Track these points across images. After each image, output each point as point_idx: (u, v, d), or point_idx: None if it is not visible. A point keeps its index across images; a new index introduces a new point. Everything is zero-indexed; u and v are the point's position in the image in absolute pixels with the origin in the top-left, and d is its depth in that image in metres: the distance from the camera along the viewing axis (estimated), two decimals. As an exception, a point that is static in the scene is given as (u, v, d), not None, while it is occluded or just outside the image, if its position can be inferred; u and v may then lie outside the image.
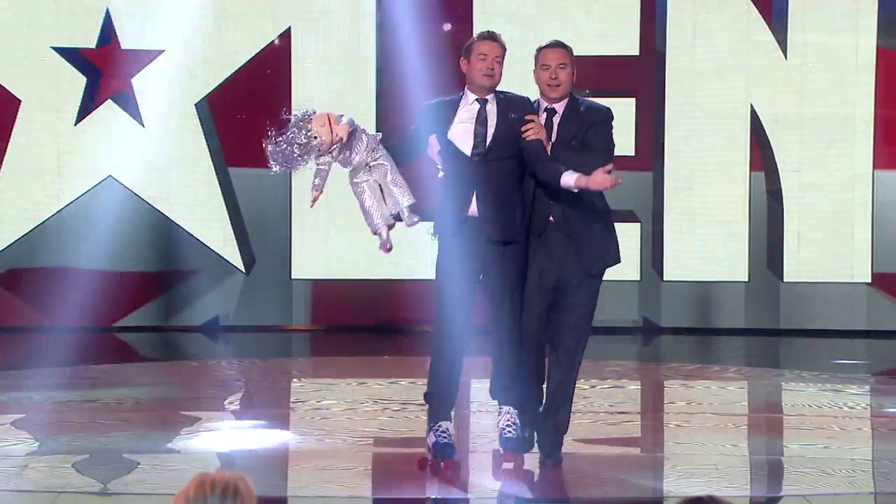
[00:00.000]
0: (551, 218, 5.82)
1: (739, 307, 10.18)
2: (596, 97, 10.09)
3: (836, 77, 10.07)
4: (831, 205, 10.12)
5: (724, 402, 7.97)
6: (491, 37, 5.96)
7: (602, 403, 7.69)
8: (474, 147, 5.82)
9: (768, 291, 10.23)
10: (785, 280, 10.21)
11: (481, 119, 5.85)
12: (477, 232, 5.76)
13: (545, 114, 5.91)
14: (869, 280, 10.13)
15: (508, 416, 5.83)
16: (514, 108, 5.88)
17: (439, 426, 5.87)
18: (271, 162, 5.78)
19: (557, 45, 6.02)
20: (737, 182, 10.19)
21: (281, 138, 5.75)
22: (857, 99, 10.07)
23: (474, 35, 6.08)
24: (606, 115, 5.96)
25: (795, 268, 10.20)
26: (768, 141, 10.16)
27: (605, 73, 10.08)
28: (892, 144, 10.11)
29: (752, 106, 10.16)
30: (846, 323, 10.14)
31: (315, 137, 5.76)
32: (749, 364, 9.28)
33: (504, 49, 5.96)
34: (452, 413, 5.97)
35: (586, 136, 5.88)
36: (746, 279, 10.21)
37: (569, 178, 5.66)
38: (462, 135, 5.85)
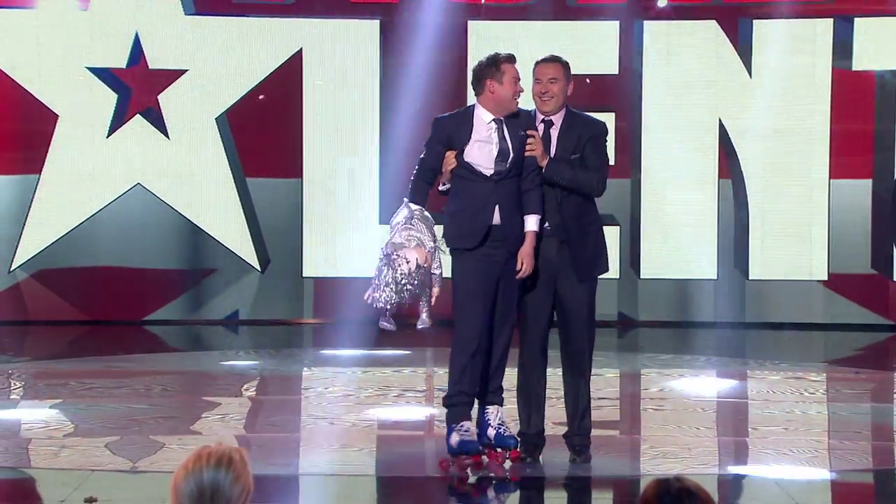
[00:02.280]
0: (548, 225, 5.62)
1: (709, 302, 10.17)
2: (579, 111, 10.22)
3: (796, 94, 10.07)
4: (792, 210, 10.12)
5: (695, 389, 7.96)
6: (512, 59, 5.62)
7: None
8: (496, 170, 5.51)
9: (735, 288, 10.23)
10: (750, 278, 10.21)
11: (502, 141, 5.53)
12: (498, 242, 5.50)
13: (542, 125, 5.67)
14: (825, 278, 10.14)
15: (499, 414, 5.63)
16: (519, 123, 5.61)
17: (462, 426, 5.57)
18: (389, 306, 5.37)
19: (550, 59, 5.77)
20: (706, 188, 10.19)
21: (385, 292, 5.36)
22: (815, 114, 10.07)
23: (498, 56, 5.63)
24: (602, 129, 5.74)
25: (760, 267, 10.20)
26: (735, 151, 10.17)
27: (587, 91, 10.09)
28: (847, 156, 10.12)
29: (720, 119, 10.16)
30: (805, 317, 10.13)
31: (406, 262, 5.34)
32: (718, 354, 9.27)
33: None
34: (472, 413, 5.66)
35: (585, 152, 5.65)
36: (715, 277, 10.21)
37: (530, 221, 5.51)
38: (480, 154, 5.51)
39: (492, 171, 5.55)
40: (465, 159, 5.56)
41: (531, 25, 10.09)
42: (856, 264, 10.04)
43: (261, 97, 10.03)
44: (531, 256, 5.53)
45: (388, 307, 5.42)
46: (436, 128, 5.68)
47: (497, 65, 5.59)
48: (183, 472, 2.65)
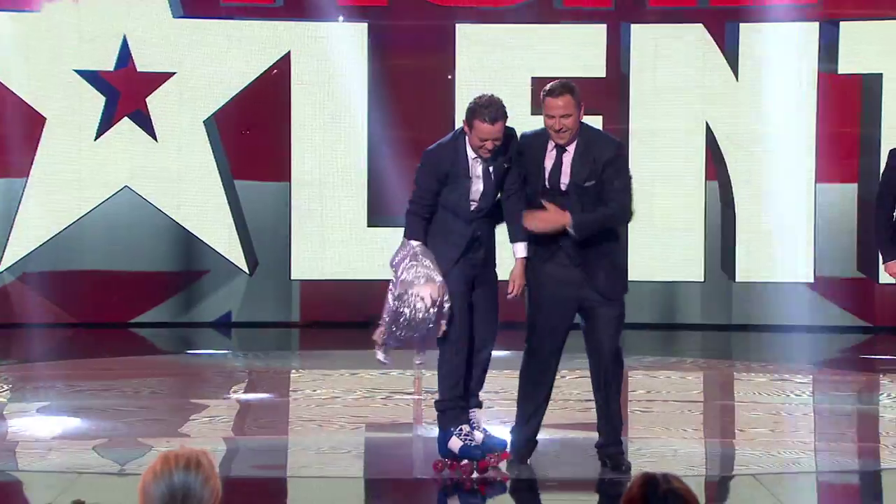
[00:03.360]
0: (560, 243, 5.45)
1: (696, 304, 10.19)
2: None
3: (782, 98, 10.09)
4: (778, 213, 10.14)
5: (682, 390, 7.97)
6: (493, 118, 5.35)
7: (572, 392, 7.68)
8: (478, 206, 5.48)
9: (722, 290, 10.25)
10: (737, 280, 10.23)
11: (486, 176, 5.46)
12: (477, 244, 5.50)
13: (555, 151, 5.44)
14: (811, 281, 10.16)
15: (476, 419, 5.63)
16: (502, 151, 5.42)
17: (461, 430, 5.56)
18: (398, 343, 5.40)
19: (560, 92, 5.39)
20: (694, 192, 10.21)
21: (404, 332, 5.39)
22: (801, 118, 10.10)
23: (476, 108, 5.40)
24: (618, 149, 5.50)
25: (746, 269, 10.22)
26: (722, 155, 10.19)
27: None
28: (832, 159, 10.15)
29: (707, 123, 10.18)
30: (791, 319, 10.16)
31: (421, 299, 5.34)
32: (704, 356, 9.29)
33: (506, 119, 5.43)
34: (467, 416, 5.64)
35: (604, 176, 5.39)
36: (703, 279, 10.23)
37: (518, 249, 5.45)
38: (464, 191, 5.46)
39: (475, 207, 5.50)
40: (448, 193, 5.46)
41: (518, 28, 10.10)
42: (842, 267, 10.07)
43: (246, 132, 10.01)
44: (522, 276, 5.53)
45: (399, 344, 5.47)
46: (429, 163, 5.54)
47: (471, 121, 5.45)
48: (151, 475, 2.65)
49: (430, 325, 5.41)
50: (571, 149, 5.45)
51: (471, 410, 5.67)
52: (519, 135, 5.54)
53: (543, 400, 5.71)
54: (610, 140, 5.57)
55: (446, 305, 5.44)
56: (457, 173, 5.49)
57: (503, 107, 5.47)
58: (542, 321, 5.53)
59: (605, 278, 5.49)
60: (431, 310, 5.36)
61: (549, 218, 5.39)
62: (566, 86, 5.46)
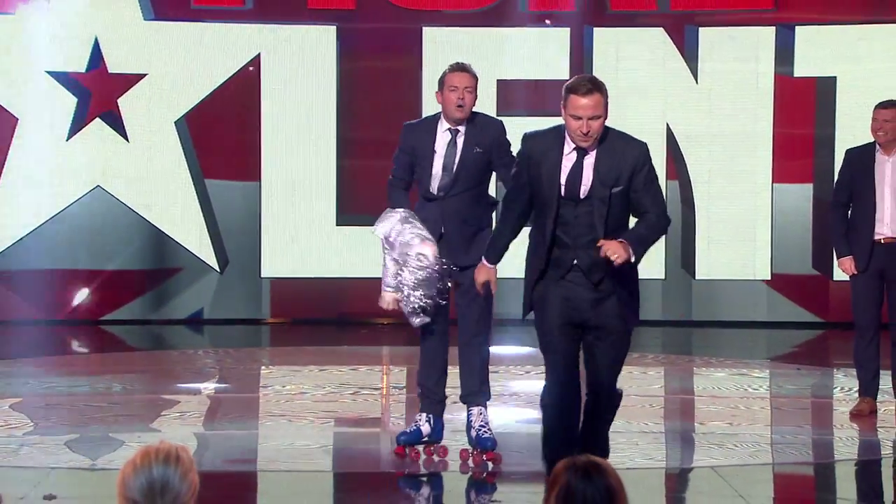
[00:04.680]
0: (575, 261, 4.70)
1: (657, 301, 10.25)
2: (531, 116, 10.26)
3: (740, 100, 10.16)
4: (736, 212, 10.21)
5: (643, 385, 8.02)
6: (461, 68, 5.45)
7: (540, 388, 7.70)
8: (440, 184, 5.42)
9: (682, 287, 10.31)
10: (696, 278, 10.29)
11: (450, 153, 5.41)
12: (446, 256, 5.38)
13: (575, 153, 4.69)
14: (768, 278, 10.24)
15: (482, 416, 5.62)
16: (484, 135, 5.36)
17: (418, 417, 5.67)
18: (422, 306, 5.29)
19: (591, 90, 4.61)
20: (654, 191, 10.25)
21: (419, 291, 5.30)
22: (758, 119, 10.17)
23: (447, 67, 5.51)
24: (646, 152, 4.71)
25: (706, 267, 10.28)
26: (682, 155, 10.24)
27: (538, 95, 10.13)
28: (789, 160, 10.22)
29: (667, 124, 10.24)
30: (749, 315, 10.23)
31: (424, 256, 5.28)
32: (665, 352, 9.34)
33: (475, 79, 5.46)
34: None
35: (634, 182, 4.64)
36: (663, 277, 10.28)
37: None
38: (428, 168, 5.42)
39: (436, 187, 5.44)
40: (420, 170, 5.46)
41: (483, 31, 10.12)
42: (797, 265, 10.15)
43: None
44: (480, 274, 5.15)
45: (424, 304, 5.34)
46: (402, 135, 5.59)
47: (442, 77, 5.52)
48: (131, 468, 2.64)
49: (442, 280, 5.34)
50: (593, 151, 4.66)
51: (470, 408, 5.62)
52: (522, 136, 4.87)
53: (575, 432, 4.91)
54: (634, 140, 4.74)
55: (444, 261, 5.37)
56: (425, 152, 5.49)
57: (471, 66, 5.53)
58: (552, 346, 4.77)
59: (618, 305, 4.73)
60: (435, 266, 5.31)
61: (619, 249, 4.59)
62: (595, 82, 4.66)
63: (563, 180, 4.69)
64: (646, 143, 4.78)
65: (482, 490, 5.71)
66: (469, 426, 5.67)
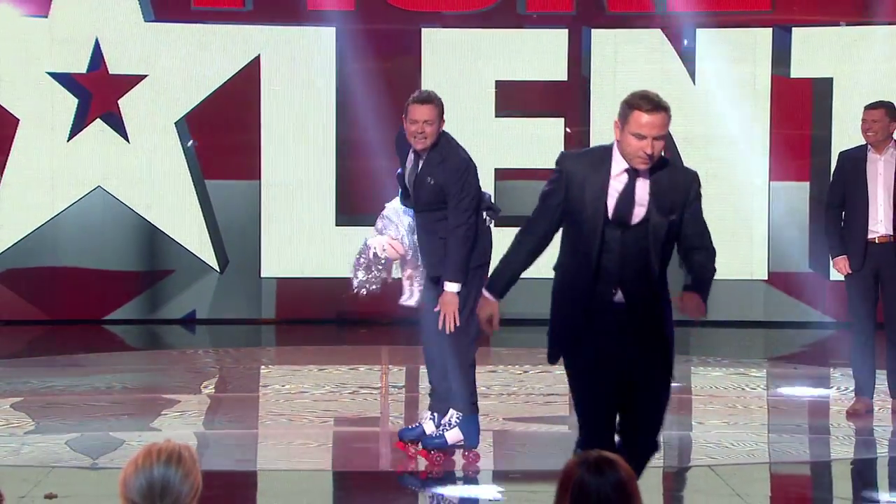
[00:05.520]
0: (618, 296, 4.23)
1: (654, 301, 10.23)
2: (529, 117, 10.26)
3: (737, 101, 10.17)
4: (733, 211, 10.21)
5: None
6: (421, 99, 5.45)
7: (534, 387, 7.71)
8: (407, 198, 5.64)
9: (679, 287, 10.27)
10: (694, 277, 10.27)
11: (411, 175, 5.57)
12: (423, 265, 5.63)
13: (625, 174, 4.21)
14: (766, 277, 10.24)
15: (450, 416, 5.69)
16: (441, 169, 5.44)
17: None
18: (359, 289, 5.67)
19: (657, 106, 4.16)
20: (652, 192, 10.25)
21: (364, 278, 5.66)
22: (755, 120, 10.18)
23: (411, 97, 5.54)
24: (699, 183, 4.27)
25: (703, 266, 10.26)
26: (679, 155, 10.24)
27: (537, 96, 10.13)
28: (785, 159, 10.23)
29: (665, 125, 10.22)
30: (746, 315, 10.23)
31: (387, 256, 5.65)
32: (662, 351, 9.31)
33: (437, 108, 5.45)
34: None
35: (686, 214, 4.20)
36: (660, 277, 10.27)
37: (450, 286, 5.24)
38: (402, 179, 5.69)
39: (407, 196, 5.66)
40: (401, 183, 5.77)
41: (482, 33, 10.12)
42: (794, 263, 10.16)
43: (195, 143, 9.99)
44: (445, 304, 5.41)
45: (370, 286, 5.67)
46: (395, 144, 5.79)
47: (406, 105, 5.57)
48: (132, 467, 2.62)
49: (368, 272, 5.66)
50: (646, 174, 4.20)
51: (449, 410, 5.73)
52: (559, 155, 4.45)
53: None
54: (689, 171, 4.31)
55: (384, 256, 5.64)
56: (404, 162, 5.67)
57: (435, 95, 5.56)
58: (588, 395, 4.25)
59: (662, 350, 4.25)
60: (363, 256, 5.65)
61: (700, 308, 4.28)
62: (661, 100, 4.19)
63: (610, 203, 4.20)
64: (697, 174, 4.31)
65: (482, 490, 5.71)
66: (430, 418, 5.79)
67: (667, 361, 4.26)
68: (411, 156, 5.62)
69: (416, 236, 5.66)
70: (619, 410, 4.24)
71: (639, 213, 4.20)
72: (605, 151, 4.26)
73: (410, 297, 5.74)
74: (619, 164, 4.20)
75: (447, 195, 5.52)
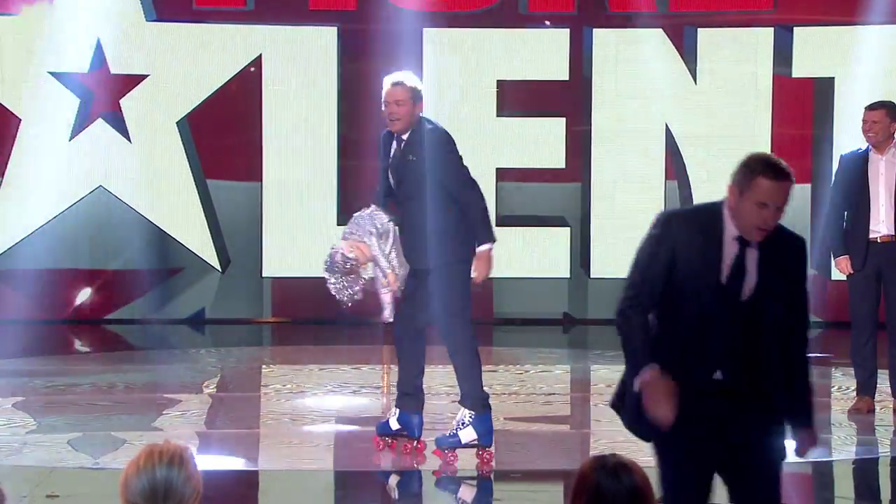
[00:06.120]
0: (718, 374, 3.73)
1: (656, 301, 10.23)
2: (530, 117, 10.25)
3: (738, 100, 10.15)
4: (735, 211, 10.19)
5: (641, 384, 7.99)
6: (391, 83, 5.67)
7: (535, 386, 7.71)
8: (389, 188, 5.71)
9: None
10: (695, 277, 10.27)
11: (394, 162, 5.68)
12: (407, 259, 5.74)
13: (736, 242, 3.71)
14: (767, 277, 10.22)
15: (460, 415, 5.72)
16: (421, 145, 5.53)
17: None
18: (339, 295, 5.78)
19: (786, 174, 3.70)
20: (654, 190, 10.25)
21: (336, 281, 5.76)
22: (757, 119, 10.17)
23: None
24: (806, 252, 3.81)
25: (704, 266, 10.25)
26: (681, 155, 10.24)
27: (539, 96, 10.13)
28: (787, 160, 10.11)
29: (666, 125, 10.23)
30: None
31: (353, 257, 5.75)
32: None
33: (408, 91, 5.61)
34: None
35: (792, 288, 3.74)
36: (662, 276, 10.26)
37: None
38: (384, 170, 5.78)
39: (388, 185, 5.74)
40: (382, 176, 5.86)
41: (484, 32, 10.11)
42: (796, 264, 10.14)
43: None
44: (486, 263, 5.56)
45: (348, 291, 5.75)
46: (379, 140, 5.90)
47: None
48: (134, 468, 2.61)
49: (333, 276, 5.74)
50: (756, 244, 3.71)
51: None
52: (661, 214, 4.01)
53: None
54: (798, 238, 3.81)
55: (351, 257, 5.73)
56: (386, 156, 5.77)
57: (407, 77, 5.72)
58: (677, 474, 3.78)
59: (764, 414, 3.74)
60: (339, 262, 5.74)
61: (816, 441, 3.87)
62: (786, 166, 3.76)
63: (726, 274, 3.71)
64: (805, 239, 3.82)
65: (482, 489, 5.71)
66: (394, 413, 5.87)
67: (764, 428, 3.76)
68: (393, 144, 5.71)
69: (383, 240, 5.69)
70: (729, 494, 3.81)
71: (751, 287, 3.71)
72: (715, 213, 3.75)
73: (387, 311, 5.83)
74: (730, 230, 3.72)
75: (441, 174, 5.60)
